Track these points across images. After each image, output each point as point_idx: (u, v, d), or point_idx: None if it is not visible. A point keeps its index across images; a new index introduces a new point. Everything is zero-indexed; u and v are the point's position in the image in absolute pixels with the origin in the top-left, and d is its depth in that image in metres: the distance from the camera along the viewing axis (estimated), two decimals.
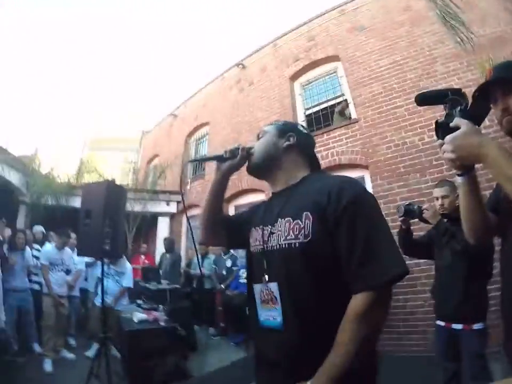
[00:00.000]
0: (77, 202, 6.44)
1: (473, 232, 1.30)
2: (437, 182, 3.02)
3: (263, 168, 1.40)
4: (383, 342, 4.70)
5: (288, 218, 1.15)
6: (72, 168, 10.68)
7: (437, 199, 2.71)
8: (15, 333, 4.63)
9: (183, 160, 10.11)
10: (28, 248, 4.96)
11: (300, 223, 1.10)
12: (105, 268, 4.94)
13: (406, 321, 4.72)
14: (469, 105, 1.12)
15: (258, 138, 1.44)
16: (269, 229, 1.21)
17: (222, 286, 6.23)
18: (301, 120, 7.10)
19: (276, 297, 1.14)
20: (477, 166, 1.14)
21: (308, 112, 7.21)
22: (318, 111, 7.03)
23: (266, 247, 1.21)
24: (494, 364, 2.41)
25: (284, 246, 1.13)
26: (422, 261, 4.52)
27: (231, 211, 7.95)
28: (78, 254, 4.42)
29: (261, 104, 7.89)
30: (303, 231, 1.08)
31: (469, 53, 5.06)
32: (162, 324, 4.01)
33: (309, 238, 1.07)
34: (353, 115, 6.27)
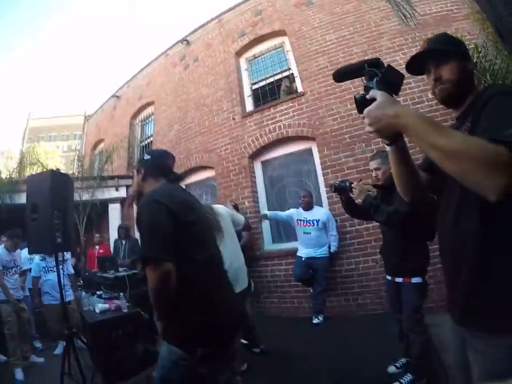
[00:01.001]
0: (22, 199, 5.87)
1: (407, 194, 1.36)
2: (371, 155, 3.22)
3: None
4: (340, 303, 5.02)
5: None
6: (12, 162, 9.94)
7: (372, 171, 2.94)
8: None
9: (130, 142, 9.70)
10: None
11: None
12: (51, 259, 4.71)
13: (359, 282, 4.94)
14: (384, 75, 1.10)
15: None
16: None
17: None
18: (248, 95, 7.01)
19: None
20: None
21: (255, 86, 7.09)
22: (264, 86, 6.93)
23: None
24: (435, 317, 2.61)
25: None
26: (370, 225, 4.67)
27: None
28: (30, 252, 4.04)
29: (207, 80, 7.64)
30: None
31: (413, 30, 5.18)
32: (125, 310, 3.84)
33: None
34: (300, 89, 6.22)
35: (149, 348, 3.88)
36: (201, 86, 7.73)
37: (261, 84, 7.00)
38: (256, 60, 7.31)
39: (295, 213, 5.01)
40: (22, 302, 4.60)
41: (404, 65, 1.33)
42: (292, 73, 6.58)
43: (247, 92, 7.08)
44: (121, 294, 4.16)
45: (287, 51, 6.78)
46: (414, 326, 2.69)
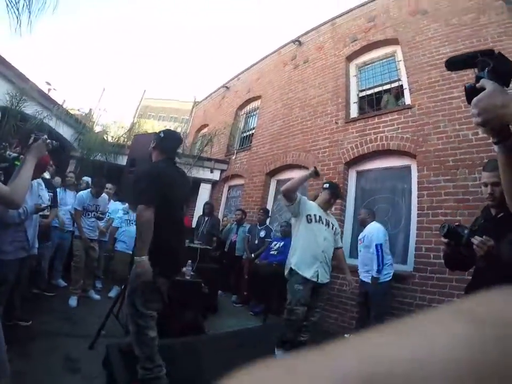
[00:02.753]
0: (124, 161, 6.79)
1: None
2: (486, 161, 2.37)
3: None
4: None
5: None
6: (122, 131, 11.28)
7: (486, 185, 2.14)
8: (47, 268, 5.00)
9: (232, 131, 10.35)
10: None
11: None
12: (129, 214, 5.37)
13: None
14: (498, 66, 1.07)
15: None
16: None
17: (252, 255, 6.38)
18: (353, 102, 7.10)
19: None
20: None
21: (361, 94, 7.15)
22: (371, 94, 6.95)
23: None
24: None
25: None
26: None
27: (273, 185, 8.15)
28: (119, 199, 4.76)
29: (315, 82, 7.88)
30: None
31: None
32: (187, 277, 4.16)
33: None
34: (408, 101, 6.13)
35: (198, 319, 4.11)
36: (309, 86, 7.98)
37: (368, 92, 7.03)
38: (366, 67, 7.34)
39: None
40: (95, 242, 5.11)
41: None
42: (401, 85, 6.50)
43: (353, 98, 7.16)
44: (190, 261, 4.37)
45: (398, 61, 6.70)
46: None
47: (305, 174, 3.68)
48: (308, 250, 3.53)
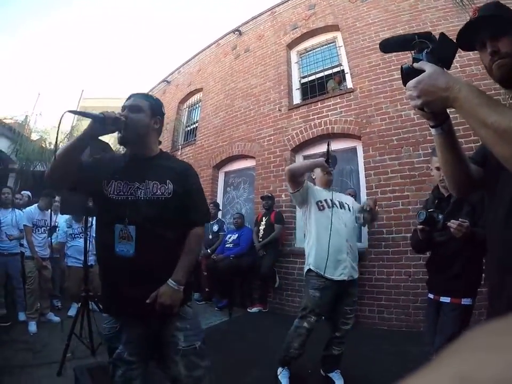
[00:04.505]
0: None
1: (455, 186, 1.23)
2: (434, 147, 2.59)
3: (131, 141, 1.80)
4: (363, 313, 4.77)
5: (155, 181, 1.75)
6: (62, 135, 10.54)
7: (438, 169, 2.35)
8: (1, 297, 4.72)
9: (175, 126, 9.96)
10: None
11: (165, 186, 1.75)
12: (77, 226, 4.94)
13: (388, 294, 4.73)
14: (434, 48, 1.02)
15: (131, 109, 1.78)
16: (136, 185, 1.73)
17: (208, 250, 6.19)
18: (296, 88, 7.01)
19: (132, 236, 1.67)
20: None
21: (304, 80, 7.08)
22: (313, 80, 6.88)
23: (132, 198, 1.71)
24: None
25: (152, 198, 1.72)
26: (408, 234, 4.51)
27: (221, 177, 7.90)
28: (61, 213, 4.40)
29: (256, 71, 7.70)
30: (167, 190, 1.74)
31: None
32: None
33: (170, 195, 1.73)
34: (349, 85, 6.15)
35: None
36: (250, 76, 7.79)
37: (310, 78, 6.97)
38: (307, 53, 7.28)
39: None
40: (47, 260, 4.80)
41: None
42: (343, 70, 6.51)
43: (295, 85, 7.07)
44: None
45: (339, 46, 6.70)
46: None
47: (313, 161, 3.05)
48: (328, 244, 2.80)
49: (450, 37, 1.07)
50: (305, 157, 6.37)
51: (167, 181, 1.75)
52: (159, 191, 1.73)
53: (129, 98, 1.84)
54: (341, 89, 6.36)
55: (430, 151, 4.66)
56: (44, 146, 8.99)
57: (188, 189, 1.81)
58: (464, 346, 0.21)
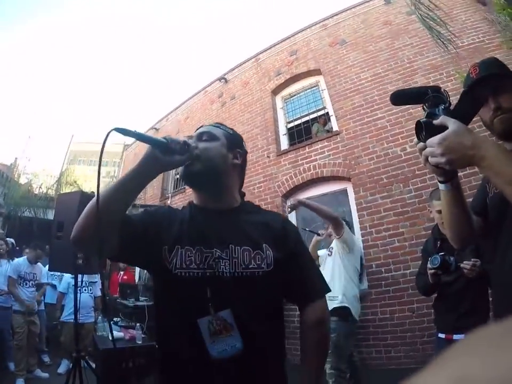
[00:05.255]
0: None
1: (459, 239, 1.22)
2: (432, 191, 2.74)
3: (206, 178, 1.21)
4: (371, 355, 4.61)
5: (247, 247, 1.14)
6: (52, 180, 10.49)
7: (440, 212, 2.31)
8: None
9: (164, 175, 9.93)
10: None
11: (262, 253, 1.14)
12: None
13: (394, 333, 4.59)
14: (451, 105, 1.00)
15: (201, 138, 1.25)
16: (216, 253, 1.12)
17: None
18: (283, 134, 7.07)
19: (230, 323, 1.07)
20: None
21: (290, 125, 7.16)
22: (299, 124, 6.97)
23: (211, 273, 1.10)
24: None
25: (244, 274, 1.11)
26: (407, 271, 4.43)
27: None
28: (50, 269, 4.24)
29: (243, 118, 7.81)
30: (265, 260, 1.13)
31: (448, 64, 5.17)
32: (139, 342, 3.78)
33: (271, 267, 1.12)
34: (335, 127, 6.23)
35: None
36: (237, 123, 7.85)
37: (296, 122, 7.06)
38: (291, 98, 7.41)
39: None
40: (35, 315, 4.66)
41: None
42: (327, 112, 6.62)
43: (282, 130, 7.14)
44: (138, 324, 4.09)
45: (322, 90, 6.85)
46: None
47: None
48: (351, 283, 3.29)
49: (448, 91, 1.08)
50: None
51: (263, 245, 1.15)
52: (253, 262, 1.12)
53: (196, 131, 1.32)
54: (328, 131, 6.44)
55: (419, 185, 4.69)
56: (31, 190, 8.87)
57: (293, 253, 1.20)
58: (464, 348, 0.21)
